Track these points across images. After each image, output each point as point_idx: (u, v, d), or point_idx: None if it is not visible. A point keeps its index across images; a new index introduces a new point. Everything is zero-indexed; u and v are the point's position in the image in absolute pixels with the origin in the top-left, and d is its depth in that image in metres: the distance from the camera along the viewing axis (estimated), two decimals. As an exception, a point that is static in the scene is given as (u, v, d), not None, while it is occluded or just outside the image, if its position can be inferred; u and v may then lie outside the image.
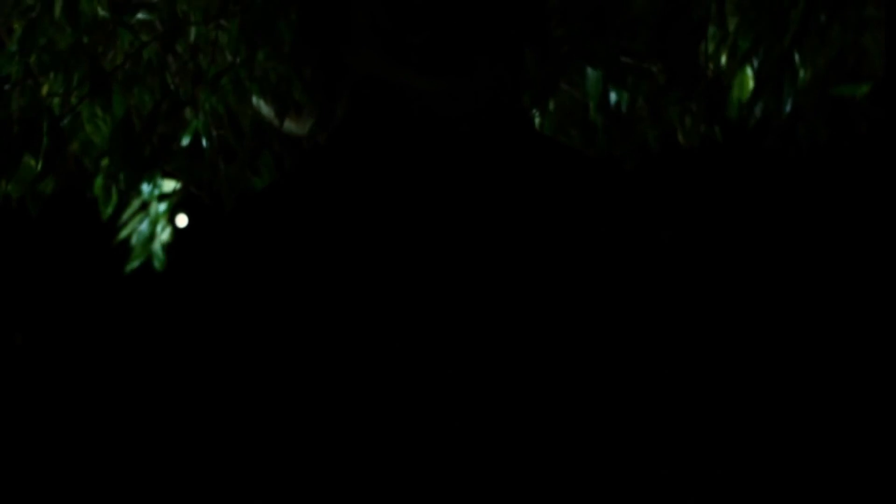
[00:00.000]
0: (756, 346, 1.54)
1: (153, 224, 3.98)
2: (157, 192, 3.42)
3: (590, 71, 2.80)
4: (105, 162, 2.90)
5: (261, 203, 1.51)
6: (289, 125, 3.63)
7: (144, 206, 3.93)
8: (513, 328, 1.45)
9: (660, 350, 1.50)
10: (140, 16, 2.84)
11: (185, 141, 2.79)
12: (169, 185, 3.80)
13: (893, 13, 2.23)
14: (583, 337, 1.46)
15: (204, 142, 2.85)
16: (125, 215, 3.69)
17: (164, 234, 3.99)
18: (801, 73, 2.86)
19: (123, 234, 3.97)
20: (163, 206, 3.92)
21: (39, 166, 2.63)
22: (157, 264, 4.02)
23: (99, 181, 2.99)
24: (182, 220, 4.01)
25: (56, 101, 2.77)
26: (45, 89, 2.79)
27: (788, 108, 2.92)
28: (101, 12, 2.84)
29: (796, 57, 2.88)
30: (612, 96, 2.83)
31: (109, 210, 3.16)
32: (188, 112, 2.82)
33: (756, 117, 3.00)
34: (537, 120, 2.90)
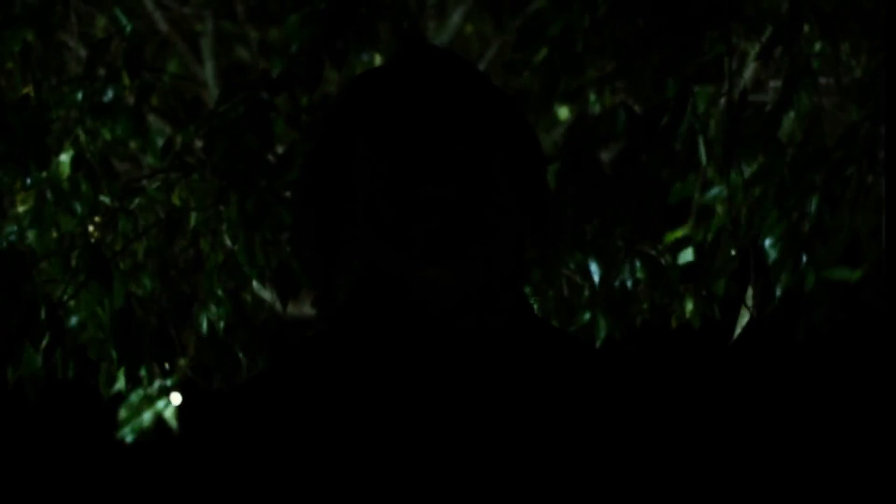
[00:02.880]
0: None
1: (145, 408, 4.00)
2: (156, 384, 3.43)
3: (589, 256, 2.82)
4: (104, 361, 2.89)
5: (257, 388, 1.51)
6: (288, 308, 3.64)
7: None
8: None
9: None
10: (140, 202, 2.86)
11: (185, 327, 2.79)
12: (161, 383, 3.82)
13: (893, 198, 2.25)
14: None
15: (204, 327, 2.85)
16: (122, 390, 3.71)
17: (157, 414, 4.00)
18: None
19: (125, 433, 3.99)
20: (161, 403, 3.94)
21: (40, 359, 2.62)
22: (128, 438, 4.04)
23: (103, 377, 2.98)
24: (176, 399, 4.00)
25: (55, 287, 2.77)
26: (43, 275, 2.80)
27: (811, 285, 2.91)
28: (103, 198, 2.85)
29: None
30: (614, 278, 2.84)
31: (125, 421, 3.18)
32: (188, 294, 2.83)
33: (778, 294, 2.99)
34: (535, 305, 2.90)
